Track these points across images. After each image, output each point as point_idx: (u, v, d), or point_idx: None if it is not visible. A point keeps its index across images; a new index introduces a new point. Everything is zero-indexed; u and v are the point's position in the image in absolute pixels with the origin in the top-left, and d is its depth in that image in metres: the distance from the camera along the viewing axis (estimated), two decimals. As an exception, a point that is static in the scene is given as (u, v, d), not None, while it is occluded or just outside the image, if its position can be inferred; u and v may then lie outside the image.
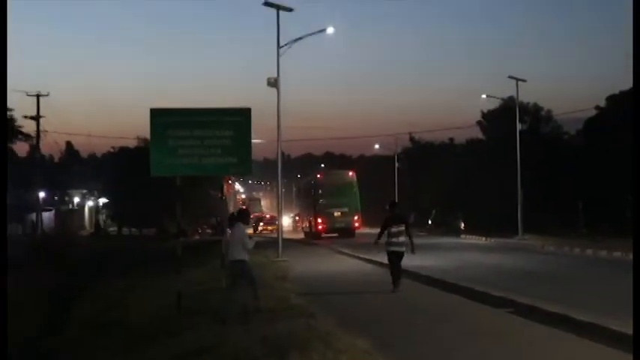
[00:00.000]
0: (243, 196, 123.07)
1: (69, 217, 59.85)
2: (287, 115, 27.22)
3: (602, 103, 41.46)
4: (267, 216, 62.66)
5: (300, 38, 25.20)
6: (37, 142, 45.87)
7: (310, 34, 25.72)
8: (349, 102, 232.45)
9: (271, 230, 50.79)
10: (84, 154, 71.04)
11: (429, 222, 48.24)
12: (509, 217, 36.55)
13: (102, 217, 61.80)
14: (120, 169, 51.18)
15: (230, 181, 29.44)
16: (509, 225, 35.97)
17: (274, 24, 24.46)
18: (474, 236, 37.37)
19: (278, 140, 25.53)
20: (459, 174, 50.17)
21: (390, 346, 7.94)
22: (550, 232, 33.53)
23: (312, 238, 39.43)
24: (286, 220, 53.85)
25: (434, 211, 49.09)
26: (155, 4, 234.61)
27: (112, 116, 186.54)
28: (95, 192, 63.22)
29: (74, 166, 63.56)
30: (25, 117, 45.06)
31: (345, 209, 39.04)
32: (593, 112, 41.61)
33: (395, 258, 13.57)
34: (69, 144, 67.81)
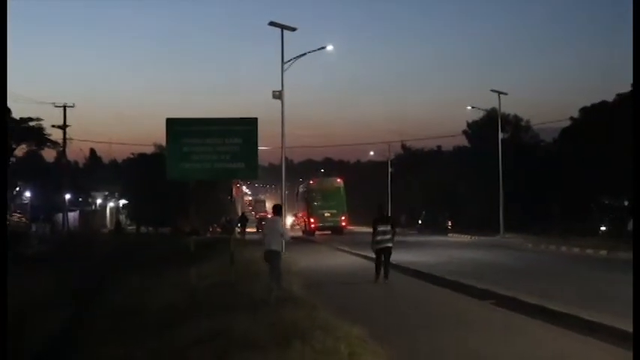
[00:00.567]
0: (250, 198, 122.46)
1: (92, 216, 59.90)
2: (290, 124, 27.35)
3: (576, 114, 41.49)
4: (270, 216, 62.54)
5: (303, 55, 25.26)
6: (64, 149, 46.07)
7: (311, 51, 25.82)
8: (347, 112, 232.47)
9: None
10: (106, 159, 70.75)
11: (419, 222, 48.46)
12: (491, 217, 36.72)
13: (122, 217, 61.73)
14: (138, 173, 51.05)
15: (238, 185, 29.57)
16: (492, 224, 36.11)
17: (279, 42, 24.60)
18: (460, 235, 37.71)
19: (282, 147, 25.55)
20: (447, 178, 50.24)
21: (385, 333, 7.97)
22: (529, 231, 33.55)
23: (307, 234, 41.09)
24: (289, 220, 54.11)
25: (423, 212, 49.39)
26: (171, 25, 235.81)
27: (131, 125, 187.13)
28: (116, 194, 63.12)
29: (97, 171, 63.35)
30: (53, 126, 45.34)
31: (334, 210, 41.58)
32: (568, 122, 41.63)
33: (383, 253, 13.96)
34: (92, 151, 67.77)
